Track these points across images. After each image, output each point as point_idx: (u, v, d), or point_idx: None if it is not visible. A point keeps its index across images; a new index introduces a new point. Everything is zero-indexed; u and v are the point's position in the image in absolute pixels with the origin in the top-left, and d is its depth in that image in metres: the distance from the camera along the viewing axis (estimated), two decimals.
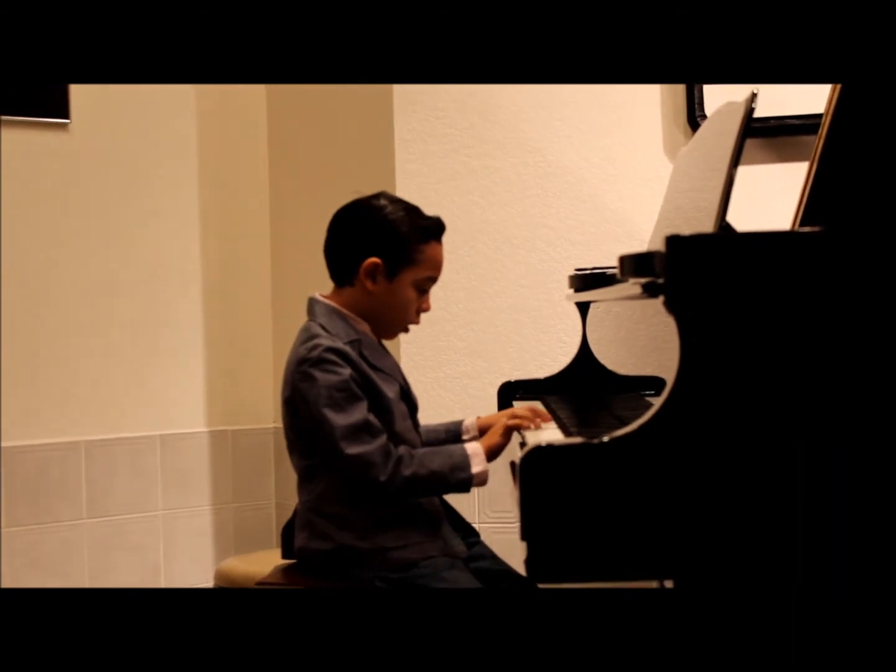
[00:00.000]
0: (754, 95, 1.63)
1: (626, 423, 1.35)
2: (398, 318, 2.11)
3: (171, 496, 3.37)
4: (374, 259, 2.04)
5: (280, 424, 2.12)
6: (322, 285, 2.14)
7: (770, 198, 2.50)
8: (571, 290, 2.48)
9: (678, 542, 1.34)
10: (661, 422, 1.33)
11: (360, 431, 1.95)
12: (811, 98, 2.15)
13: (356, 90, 3.06)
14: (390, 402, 2.04)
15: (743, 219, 1.86)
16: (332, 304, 2.09)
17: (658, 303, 1.36)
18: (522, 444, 1.91)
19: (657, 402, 1.34)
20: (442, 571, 1.98)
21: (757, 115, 1.64)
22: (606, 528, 1.33)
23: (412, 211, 2.09)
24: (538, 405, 2.25)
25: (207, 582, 3.30)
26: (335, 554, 2.00)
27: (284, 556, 2.16)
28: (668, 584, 1.41)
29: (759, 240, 1.36)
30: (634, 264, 1.41)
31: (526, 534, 1.35)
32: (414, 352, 2.96)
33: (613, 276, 1.96)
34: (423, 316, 2.13)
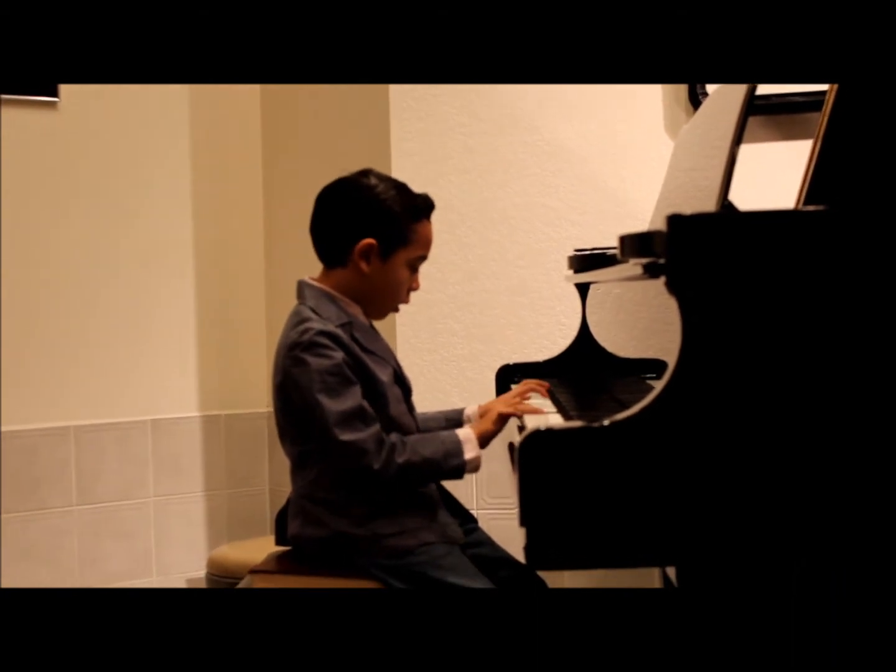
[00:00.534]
0: None
1: (626, 407, 1.34)
2: (390, 298, 2.10)
3: (162, 482, 3.33)
4: (368, 240, 2.02)
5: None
6: (317, 269, 2.12)
7: (773, 176, 2.47)
8: (571, 271, 2.47)
9: (679, 528, 1.33)
10: (662, 405, 1.32)
11: (354, 418, 1.93)
12: None
13: None
14: (384, 385, 2.02)
15: (745, 198, 1.84)
16: (323, 286, 2.07)
17: (659, 284, 1.35)
18: (521, 429, 1.88)
19: (658, 385, 1.33)
20: (439, 559, 1.98)
21: (759, 92, 1.64)
22: (607, 514, 1.32)
23: (402, 189, 2.07)
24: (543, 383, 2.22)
25: (200, 570, 3.27)
26: (330, 541, 1.99)
27: (278, 543, 2.15)
28: (670, 572, 1.39)
29: (761, 219, 1.34)
30: (635, 244, 1.40)
31: (525, 520, 1.34)
32: (410, 334, 2.93)
33: (614, 256, 1.96)
34: (419, 297, 2.12)
